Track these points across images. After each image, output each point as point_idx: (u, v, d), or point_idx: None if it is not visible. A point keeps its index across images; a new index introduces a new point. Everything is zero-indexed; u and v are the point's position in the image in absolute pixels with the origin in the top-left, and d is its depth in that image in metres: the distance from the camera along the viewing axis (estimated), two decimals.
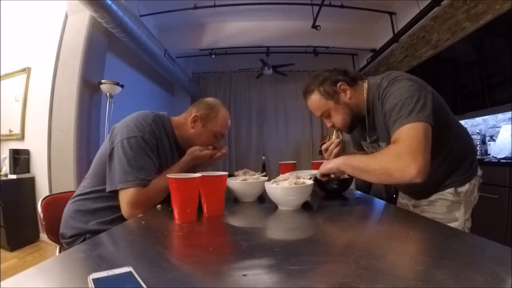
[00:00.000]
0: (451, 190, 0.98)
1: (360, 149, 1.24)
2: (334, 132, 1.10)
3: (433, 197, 1.02)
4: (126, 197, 0.92)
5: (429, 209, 1.01)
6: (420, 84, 0.87)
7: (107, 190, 0.95)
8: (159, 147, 1.04)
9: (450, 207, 0.97)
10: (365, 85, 1.00)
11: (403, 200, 1.18)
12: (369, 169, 0.83)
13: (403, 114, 0.80)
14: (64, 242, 1.00)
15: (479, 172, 1.02)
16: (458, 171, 0.99)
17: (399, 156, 0.76)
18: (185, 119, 1.16)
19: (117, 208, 0.96)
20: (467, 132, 1.07)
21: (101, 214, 0.98)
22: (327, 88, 0.99)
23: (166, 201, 0.95)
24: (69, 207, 1.03)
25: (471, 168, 1.00)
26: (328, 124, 1.06)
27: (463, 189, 0.97)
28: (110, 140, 1.00)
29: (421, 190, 1.04)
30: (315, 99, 1.01)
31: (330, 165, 0.95)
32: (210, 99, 1.20)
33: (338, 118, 1.01)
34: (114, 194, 0.95)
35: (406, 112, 0.80)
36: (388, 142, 0.93)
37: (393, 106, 0.84)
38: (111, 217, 0.98)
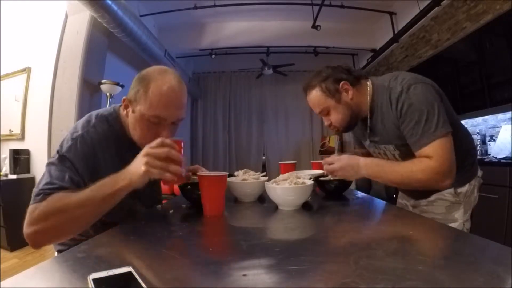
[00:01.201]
0: (450, 190, 0.98)
1: (361, 147, 1.23)
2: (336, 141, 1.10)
3: (432, 197, 1.01)
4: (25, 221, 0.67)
5: (429, 209, 1.01)
6: (431, 85, 0.89)
7: None
8: (94, 160, 0.79)
9: (449, 208, 0.97)
10: (369, 84, 0.99)
11: (403, 200, 1.17)
12: (404, 183, 0.90)
13: (430, 128, 0.84)
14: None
15: (479, 173, 1.02)
16: (459, 172, 0.98)
17: (436, 173, 0.83)
18: None
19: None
20: (469, 133, 1.07)
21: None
22: (329, 86, 0.98)
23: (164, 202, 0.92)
24: None
25: (471, 168, 1.00)
26: (326, 122, 1.05)
27: (463, 189, 0.97)
28: None
29: (421, 190, 1.04)
30: (316, 95, 1.00)
31: (359, 176, 0.96)
32: (146, 70, 0.83)
33: (337, 117, 1.00)
34: None
35: (433, 126, 0.83)
36: (396, 144, 0.96)
37: (417, 118, 0.85)
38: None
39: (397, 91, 0.89)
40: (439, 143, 0.83)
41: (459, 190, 0.97)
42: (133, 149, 0.78)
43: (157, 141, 0.69)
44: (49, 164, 0.77)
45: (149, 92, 0.77)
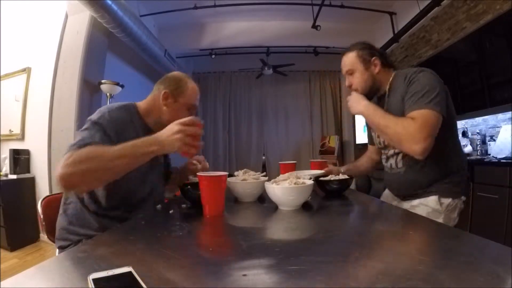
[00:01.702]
0: (435, 197, 1.02)
1: (372, 145, 1.31)
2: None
3: (416, 202, 1.06)
4: (56, 168, 0.77)
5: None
6: (439, 81, 1.00)
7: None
8: (118, 138, 0.91)
9: (429, 214, 0.99)
10: (392, 74, 1.13)
11: (387, 200, 1.22)
12: (385, 130, 1.00)
13: (425, 99, 0.94)
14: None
15: (463, 198, 1.05)
16: (446, 181, 1.03)
17: (413, 132, 0.91)
18: (154, 100, 1.09)
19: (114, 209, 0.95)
20: (463, 152, 1.16)
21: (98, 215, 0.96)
22: (364, 54, 1.12)
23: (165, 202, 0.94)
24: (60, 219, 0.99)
25: (459, 185, 1.04)
26: (347, 82, 1.17)
27: (446, 201, 1.01)
28: None
29: (407, 186, 1.10)
30: (351, 56, 1.14)
31: (358, 110, 1.09)
32: (175, 73, 1.15)
33: (359, 81, 1.13)
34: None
35: (428, 99, 0.93)
36: None
37: (418, 90, 0.96)
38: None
39: (412, 72, 1.04)
40: (426, 112, 0.92)
41: (443, 200, 1.01)
42: (149, 132, 0.91)
43: (189, 118, 0.84)
44: (81, 130, 0.91)
45: (188, 88, 1.09)
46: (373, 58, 1.11)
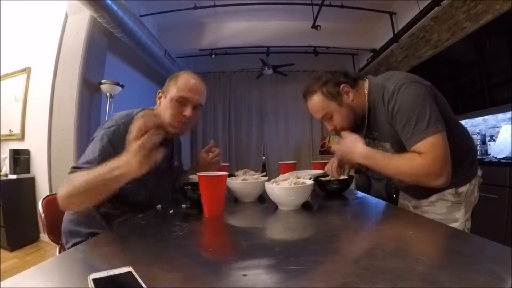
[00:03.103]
0: (451, 190, 0.98)
1: None
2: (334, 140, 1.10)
3: (433, 198, 1.01)
4: None
5: (430, 210, 1.01)
6: (424, 85, 0.89)
7: None
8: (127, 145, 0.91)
9: (450, 208, 0.97)
10: (366, 84, 1.00)
11: (404, 201, 1.17)
12: (398, 175, 0.90)
13: (421, 126, 0.83)
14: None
15: (479, 172, 1.02)
16: (459, 172, 0.98)
17: (429, 169, 0.81)
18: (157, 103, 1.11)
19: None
20: (468, 132, 1.07)
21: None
22: (330, 89, 0.98)
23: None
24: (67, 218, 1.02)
25: (471, 168, 1.00)
26: (330, 127, 1.05)
27: (464, 189, 0.97)
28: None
29: (421, 189, 1.04)
30: (318, 100, 1.00)
31: (355, 161, 0.96)
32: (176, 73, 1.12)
33: (341, 120, 1.00)
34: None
35: (425, 125, 0.82)
36: (392, 142, 0.96)
37: (408, 116, 0.85)
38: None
39: (390, 90, 0.89)
40: (430, 140, 0.82)
41: (460, 190, 0.97)
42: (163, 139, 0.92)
43: (136, 125, 0.76)
44: (92, 142, 0.96)
45: (178, 82, 1.03)
46: (341, 86, 0.97)
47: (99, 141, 0.94)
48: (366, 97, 0.98)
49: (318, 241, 0.62)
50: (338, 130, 1.03)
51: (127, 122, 0.96)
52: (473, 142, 1.07)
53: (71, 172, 0.85)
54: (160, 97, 1.07)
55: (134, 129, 0.75)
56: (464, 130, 1.04)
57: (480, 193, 1.02)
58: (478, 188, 1.01)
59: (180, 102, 1.01)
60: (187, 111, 1.01)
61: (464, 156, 0.99)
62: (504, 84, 2.20)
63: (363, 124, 1.03)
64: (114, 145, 0.92)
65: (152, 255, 0.53)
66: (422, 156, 0.82)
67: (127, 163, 0.73)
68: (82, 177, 0.78)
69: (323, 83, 0.99)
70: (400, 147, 0.92)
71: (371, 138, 1.05)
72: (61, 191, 0.79)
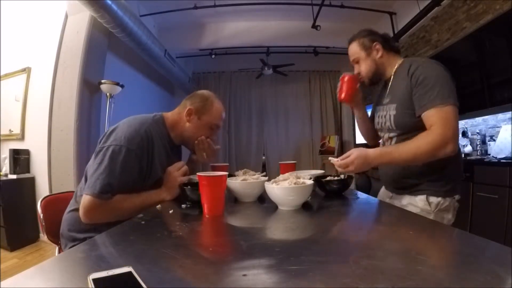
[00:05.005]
0: (422, 197, 1.01)
1: (372, 121, 1.28)
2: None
3: (405, 201, 1.06)
4: (83, 202, 0.91)
5: None
6: (446, 71, 0.99)
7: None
8: (149, 156, 1.02)
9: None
10: (399, 60, 1.14)
11: (382, 197, 1.23)
12: (416, 159, 0.94)
13: (442, 94, 0.93)
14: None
15: (457, 197, 1.04)
16: (436, 178, 1.01)
17: (442, 138, 0.90)
18: (179, 114, 1.14)
19: None
20: (460, 152, 1.12)
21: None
22: (365, 42, 1.16)
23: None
24: (67, 217, 1.02)
25: (450, 183, 1.02)
26: (355, 70, 1.21)
27: (434, 200, 1.00)
28: (103, 138, 1.00)
29: (400, 170, 1.09)
30: (353, 46, 1.20)
31: (371, 166, 0.97)
32: (204, 91, 1.20)
33: (364, 68, 1.17)
34: None
35: (446, 93, 0.93)
36: (398, 105, 1.06)
37: (433, 83, 0.95)
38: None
39: (418, 62, 1.03)
40: (446, 111, 0.91)
41: (431, 199, 1.00)
42: (173, 145, 1.16)
43: (177, 166, 1.07)
44: (100, 156, 0.96)
45: (213, 108, 1.14)
46: (374, 43, 1.14)
47: (119, 154, 0.94)
48: (395, 68, 1.13)
49: (318, 241, 0.62)
50: (361, 75, 1.18)
51: (148, 130, 1.03)
52: (462, 165, 1.11)
53: (96, 195, 0.89)
54: (190, 114, 1.13)
55: (178, 170, 1.05)
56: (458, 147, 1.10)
57: (480, 193, 1.02)
58: (454, 211, 1.02)
59: (212, 128, 1.17)
60: (215, 136, 1.19)
61: (447, 165, 1.01)
62: (504, 84, 2.20)
63: (385, 88, 1.17)
64: (139, 157, 0.98)
65: (152, 255, 0.53)
66: (435, 127, 0.91)
67: (165, 193, 1.01)
68: (122, 208, 0.93)
69: (363, 36, 1.17)
70: (403, 109, 1.03)
71: (387, 102, 1.13)
72: (89, 214, 0.89)
